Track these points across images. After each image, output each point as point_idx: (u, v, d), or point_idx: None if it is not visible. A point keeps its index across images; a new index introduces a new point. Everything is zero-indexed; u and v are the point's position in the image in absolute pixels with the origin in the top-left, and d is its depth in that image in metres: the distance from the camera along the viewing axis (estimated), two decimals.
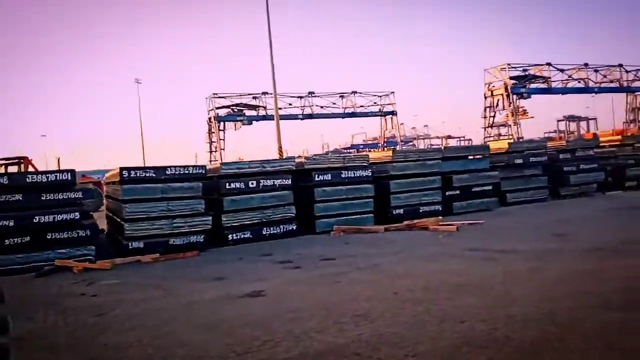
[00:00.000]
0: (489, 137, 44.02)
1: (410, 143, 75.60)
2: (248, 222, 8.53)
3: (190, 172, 8.23)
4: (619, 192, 12.21)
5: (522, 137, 39.16)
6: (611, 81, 46.69)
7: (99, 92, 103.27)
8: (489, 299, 4.16)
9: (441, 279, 4.98)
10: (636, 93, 48.57)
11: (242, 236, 8.45)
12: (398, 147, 45.47)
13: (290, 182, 8.86)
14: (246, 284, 5.33)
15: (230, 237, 8.34)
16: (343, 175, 9.39)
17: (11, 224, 6.96)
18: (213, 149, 48.17)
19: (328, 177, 9.28)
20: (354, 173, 9.49)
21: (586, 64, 45.60)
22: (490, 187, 10.81)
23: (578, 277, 4.67)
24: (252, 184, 8.55)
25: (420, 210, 9.91)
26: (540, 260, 5.54)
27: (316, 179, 9.15)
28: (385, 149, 15.04)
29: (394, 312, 3.98)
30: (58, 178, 7.53)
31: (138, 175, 7.92)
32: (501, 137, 42.58)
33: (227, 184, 8.41)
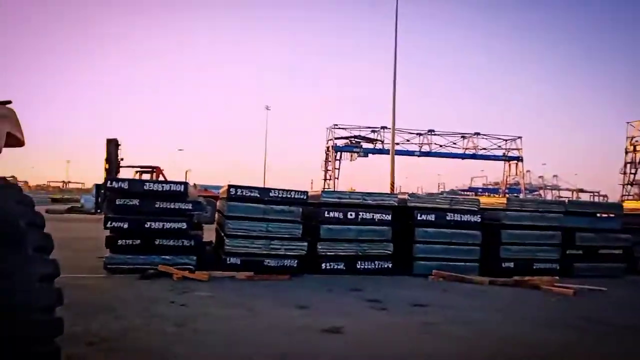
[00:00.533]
0: (628, 195, 39.68)
1: (536, 193, 70.62)
2: (342, 254, 8.35)
3: (293, 196, 8.32)
4: None
5: None
6: None
7: (232, 113, 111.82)
8: None
9: (544, 351, 4.34)
10: None
11: (335, 266, 8.28)
12: (521, 196, 42.75)
13: (390, 217, 8.56)
14: (328, 317, 5.13)
15: (323, 265, 8.23)
16: (448, 218, 8.86)
17: (125, 226, 7.53)
18: (328, 177, 49.42)
19: (432, 217, 8.81)
20: (461, 217, 8.90)
21: None
22: (620, 251, 9.49)
23: None
24: (351, 215, 8.39)
25: (534, 267, 8.97)
26: None
27: (418, 218, 8.73)
28: (507, 196, 14.12)
29: None
30: (172, 189, 8.04)
31: (244, 194, 8.17)
32: None
33: (326, 212, 8.34)
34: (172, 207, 7.87)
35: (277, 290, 6.75)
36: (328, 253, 8.33)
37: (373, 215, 8.55)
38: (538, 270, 8.86)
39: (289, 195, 8.34)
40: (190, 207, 8.03)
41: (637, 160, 40.58)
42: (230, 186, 8.21)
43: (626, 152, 41.34)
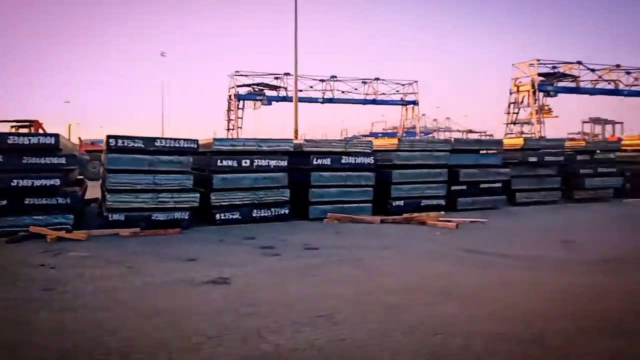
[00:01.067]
0: (511, 134, 43.00)
1: (431, 135, 74.45)
2: (238, 203, 8.12)
3: (182, 145, 7.82)
4: (637, 200, 11.51)
5: (545, 136, 38.20)
6: None
7: (126, 62, 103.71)
8: (473, 309, 3.68)
9: (426, 281, 4.52)
10: None
11: (231, 217, 8.05)
12: (418, 137, 44.76)
13: (286, 163, 8.41)
14: (216, 269, 4.93)
15: (217, 216, 7.96)
16: (343, 161, 8.90)
17: None
18: (231, 126, 48.08)
19: (327, 161, 8.79)
20: (355, 159, 8.99)
21: (618, 65, 44.14)
22: (499, 185, 10.22)
23: (578, 293, 4.16)
24: (246, 162, 8.12)
25: (422, 204, 9.39)
26: (540, 270, 5.03)
27: (314, 162, 8.68)
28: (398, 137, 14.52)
29: (362, 315, 3.54)
30: (41, 141, 7.19)
31: (126, 144, 7.52)
32: (523, 135, 41.63)
33: (219, 160, 7.99)
34: (43, 162, 7.07)
35: (164, 245, 6.40)
36: (222, 203, 8.05)
37: (268, 162, 8.34)
38: (426, 206, 9.29)
39: (177, 145, 7.82)
40: (64, 162, 7.27)
41: (520, 101, 43.89)
42: (109, 137, 7.51)
43: (510, 93, 44.42)
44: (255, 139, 8.68)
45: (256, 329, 3.26)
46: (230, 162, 8.04)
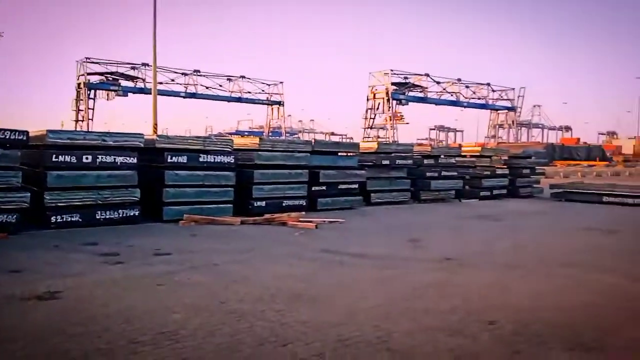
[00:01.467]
0: (368, 137, 45.79)
1: (296, 135, 76.28)
2: (78, 203, 7.25)
3: (7, 137, 6.74)
4: (474, 201, 12.82)
5: (397, 141, 41.24)
6: (479, 98, 51.28)
7: None
8: (324, 314, 3.64)
9: (281, 285, 4.39)
10: (499, 111, 53.85)
11: (69, 219, 7.17)
12: (282, 137, 45.24)
13: (135, 160, 7.73)
14: (46, 281, 4.28)
15: (53, 219, 7.02)
16: (201, 159, 8.47)
17: None
18: (80, 118, 43.78)
19: (183, 159, 8.29)
20: (214, 158, 8.61)
21: (459, 79, 49.42)
22: (356, 186, 10.62)
23: (422, 291, 4.37)
24: (87, 158, 7.27)
25: (284, 204, 9.36)
26: (389, 268, 5.23)
27: (169, 160, 8.12)
28: (260, 137, 14.39)
29: (210, 329, 3.27)
30: None
31: None
32: (379, 139, 44.44)
33: (54, 155, 7.05)
34: None
35: None
36: (59, 204, 7.13)
37: (115, 159, 7.58)
38: (287, 207, 9.28)
39: (2, 136, 6.73)
40: None
41: (376, 107, 46.83)
42: None
43: (367, 99, 47.26)
44: (99, 132, 7.86)
45: (84, 353, 2.83)
46: (67, 158, 7.12)
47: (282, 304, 3.84)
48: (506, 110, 53.40)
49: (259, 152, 9.30)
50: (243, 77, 49.00)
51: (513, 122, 54.18)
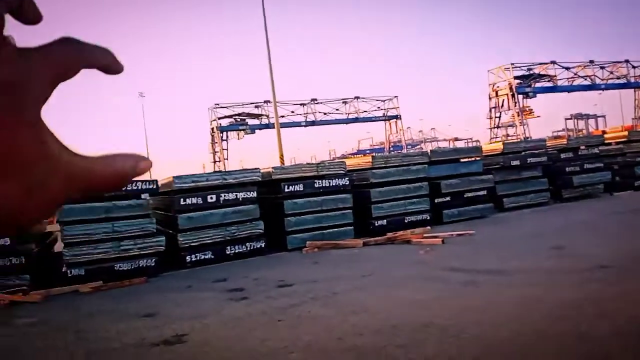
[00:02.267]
0: (496, 137, 43.09)
1: (418, 146, 74.72)
2: (209, 241, 7.61)
3: (140, 187, 7.34)
4: (628, 192, 11.14)
5: (530, 137, 38.18)
6: (618, 77, 45.72)
7: (103, 104, 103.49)
8: (454, 347, 3.19)
9: (404, 314, 4.02)
10: None
11: (203, 257, 7.54)
12: (404, 151, 44.63)
13: (255, 194, 7.94)
14: (174, 324, 4.41)
15: (188, 258, 7.44)
16: (317, 185, 8.45)
17: None
18: (217, 159, 47.72)
19: (300, 187, 8.34)
20: (329, 182, 8.54)
21: (592, 61, 44.64)
22: (484, 192, 9.80)
23: (574, 310, 3.68)
24: (212, 198, 7.63)
25: (406, 221, 8.94)
26: (531, 285, 4.56)
27: (286, 190, 8.22)
28: (372, 154, 14.19)
29: None
30: None
31: None
32: (509, 138, 41.65)
33: (182, 199, 7.50)
34: None
35: (126, 299, 5.85)
36: (192, 244, 7.54)
37: (236, 195, 7.87)
38: (410, 223, 8.85)
39: (134, 187, 7.33)
40: None
41: (500, 104, 44.05)
42: None
43: (490, 98, 44.66)
44: (219, 171, 8.27)
45: None
46: (194, 200, 7.55)
47: (405, 337, 3.47)
48: None
49: (373, 170, 9.03)
50: (357, 97, 49.51)
51: None
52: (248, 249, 7.86)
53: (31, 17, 0.30)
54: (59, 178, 0.29)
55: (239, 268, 7.05)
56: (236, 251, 7.79)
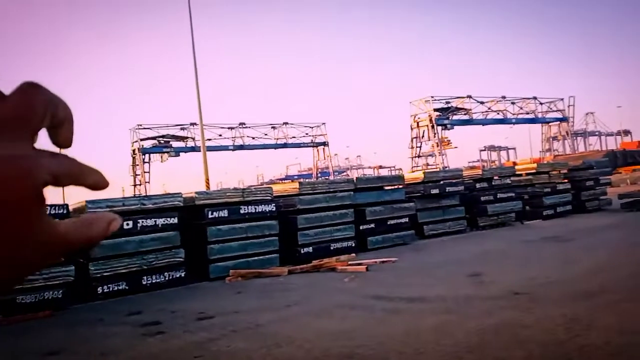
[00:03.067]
0: (417, 166, 44.90)
1: (344, 173, 76.25)
2: (123, 271, 7.14)
3: (49, 212, 6.76)
4: (537, 222, 11.93)
5: (448, 167, 40.15)
6: (527, 113, 49.55)
7: None
8: None
9: (328, 345, 3.95)
10: (550, 124, 51.75)
11: (116, 288, 7.05)
12: (331, 177, 45.23)
13: (176, 220, 7.61)
14: None
15: (99, 289, 6.93)
16: (242, 211, 8.27)
17: None
18: (138, 182, 45.63)
19: (224, 213, 8.11)
20: (255, 208, 8.39)
21: (504, 97, 48.12)
22: (406, 220, 10.07)
23: (491, 337, 3.79)
24: (128, 224, 7.21)
25: (332, 247, 8.95)
26: (449, 312, 4.67)
27: (209, 216, 7.96)
28: (299, 180, 14.20)
29: None
30: None
31: None
32: (429, 167, 43.52)
33: None
34: None
35: (27, 335, 5.31)
36: (105, 273, 7.03)
37: (155, 221, 7.48)
38: (336, 250, 8.87)
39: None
40: None
41: (421, 135, 46.11)
42: None
43: (411, 129, 46.65)
44: (138, 196, 7.88)
45: None
46: None
47: None
48: (558, 122, 51.21)
49: (300, 197, 9.00)
50: (286, 123, 49.85)
51: (567, 132, 51.75)
52: (166, 278, 7.47)
53: (62, 141, 0.32)
54: (38, 246, 0.30)
55: (155, 300, 6.67)
56: (153, 281, 7.38)
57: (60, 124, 0.32)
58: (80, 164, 0.32)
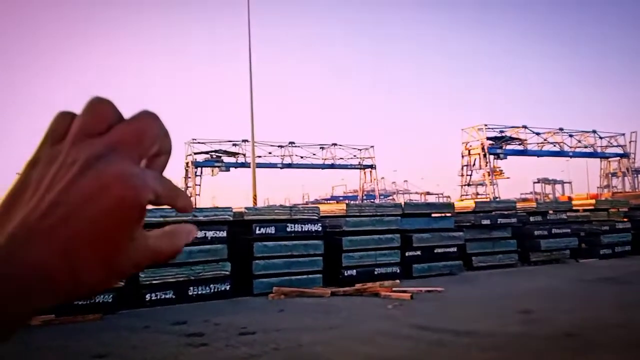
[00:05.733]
0: (466, 195, 43.89)
1: (390, 197, 75.52)
2: (171, 280, 7.33)
3: None
4: (593, 260, 11.35)
5: (499, 197, 39.02)
6: (585, 146, 47.64)
7: None
8: None
9: None
10: (609, 159, 49.49)
11: (163, 296, 7.23)
12: (377, 201, 44.98)
13: (225, 234, 7.76)
14: None
15: (147, 297, 7.13)
16: (289, 229, 8.33)
17: None
18: (189, 194, 46.94)
19: (271, 230, 8.20)
20: (302, 227, 8.44)
21: (561, 129, 46.54)
22: (454, 249, 9.83)
23: None
24: None
25: (376, 272, 8.84)
26: (498, 349, 4.49)
27: (257, 232, 8.07)
28: (346, 202, 14.21)
29: None
30: None
31: None
32: (479, 196, 42.47)
33: None
34: None
35: (77, 336, 5.52)
36: (153, 281, 7.24)
37: (205, 233, 7.66)
38: (380, 275, 8.76)
39: None
40: None
41: (472, 163, 45.18)
42: None
43: (462, 156, 45.79)
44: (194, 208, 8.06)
45: None
46: None
47: None
48: (618, 158, 48.88)
49: (347, 219, 8.98)
50: (335, 144, 50.20)
51: (628, 169, 49.25)
52: (212, 290, 7.61)
53: (181, 207, 0.35)
54: (132, 255, 0.33)
55: (200, 310, 6.78)
56: (199, 292, 7.53)
57: (161, 154, 0.35)
58: (175, 187, 0.35)
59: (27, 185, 0.32)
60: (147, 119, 0.34)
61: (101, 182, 0.31)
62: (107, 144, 0.32)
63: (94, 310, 6.56)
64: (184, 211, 0.35)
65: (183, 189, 0.36)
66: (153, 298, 7.16)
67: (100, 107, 0.33)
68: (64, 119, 0.34)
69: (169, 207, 0.35)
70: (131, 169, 0.32)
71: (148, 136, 0.34)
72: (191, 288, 7.45)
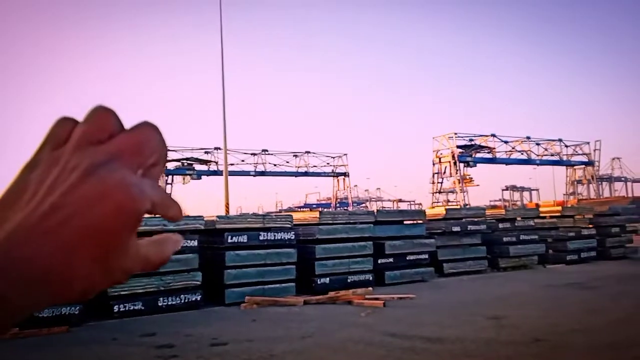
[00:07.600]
0: (437, 202, 44.51)
1: (363, 205, 75.91)
2: (140, 291, 7.17)
3: None
4: (560, 266, 11.63)
5: (469, 204, 39.70)
6: (552, 154, 48.99)
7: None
8: None
9: None
10: (575, 167, 51.02)
11: (132, 307, 7.06)
12: (350, 208, 45.15)
13: (196, 243, 7.64)
14: None
15: (115, 308, 6.95)
16: (261, 238, 8.27)
17: None
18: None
19: (244, 239, 8.13)
20: (275, 235, 8.39)
21: (528, 137, 47.76)
22: (426, 256, 9.93)
23: None
24: None
25: (349, 280, 8.85)
26: (468, 355, 4.54)
27: (229, 240, 7.98)
28: (319, 210, 14.23)
29: None
30: None
31: None
32: (449, 203, 43.09)
33: None
34: None
35: (42, 350, 5.34)
36: (122, 292, 7.07)
37: None
38: (353, 282, 8.77)
39: None
40: None
41: (443, 171, 45.88)
42: None
43: (433, 164, 46.48)
44: (159, 217, 7.91)
45: None
46: None
47: None
48: (583, 165, 50.44)
49: (320, 227, 8.98)
50: (308, 152, 50.24)
51: (592, 177, 50.86)
52: (182, 301, 7.47)
53: (172, 216, 0.35)
54: (124, 263, 0.33)
55: (170, 322, 6.65)
56: (169, 303, 7.38)
57: (157, 164, 0.35)
58: (169, 196, 0.36)
59: (25, 186, 0.33)
60: (148, 130, 0.35)
61: (102, 189, 0.31)
62: (108, 153, 0.33)
63: (60, 323, 6.35)
64: (174, 220, 0.36)
65: (176, 200, 0.36)
66: (122, 309, 6.99)
67: (104, 116, 0.34)
68: (65, 125, 0.35)
69: (163, 215, 0.36)
70: (131, 178, 0.33)
71: (148, 147, 0.35)
72: (161, 299, 7.30)
